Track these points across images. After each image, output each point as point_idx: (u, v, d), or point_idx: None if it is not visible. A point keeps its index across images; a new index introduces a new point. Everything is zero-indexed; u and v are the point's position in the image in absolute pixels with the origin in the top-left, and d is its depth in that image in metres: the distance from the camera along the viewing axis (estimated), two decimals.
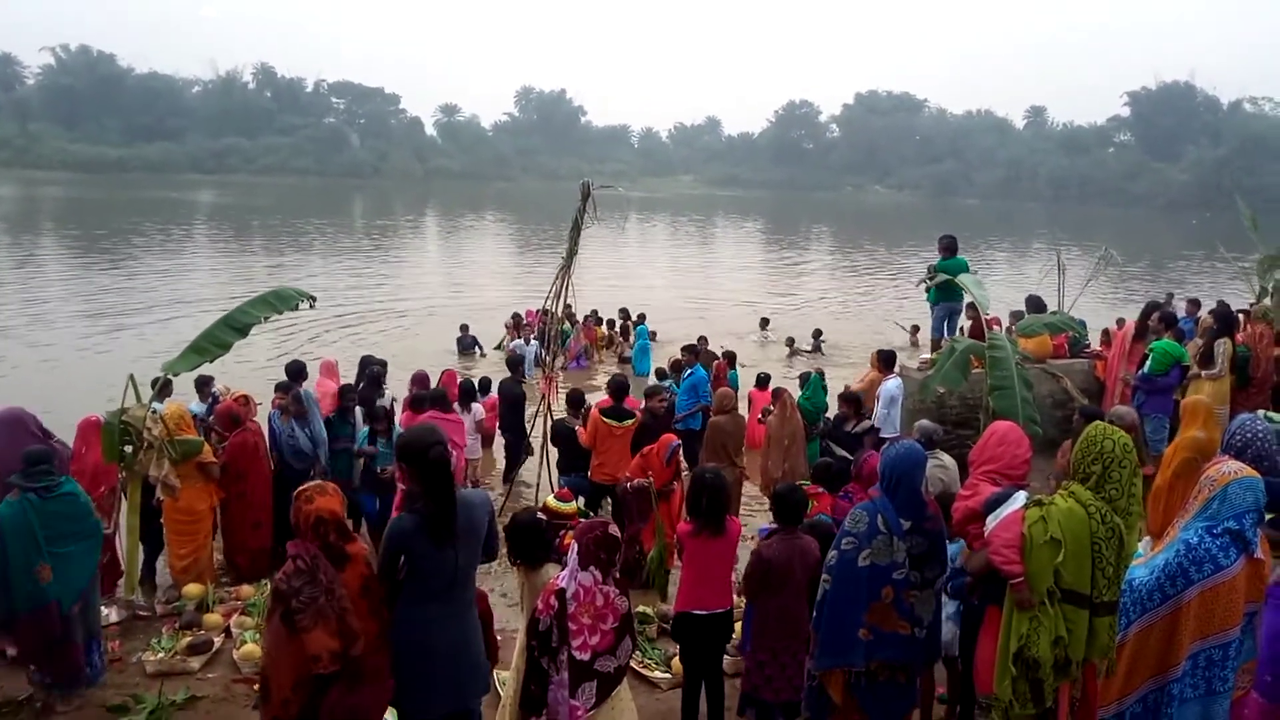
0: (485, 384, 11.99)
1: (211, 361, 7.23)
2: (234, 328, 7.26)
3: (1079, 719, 3.77)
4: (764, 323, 20.30)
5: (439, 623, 3.73)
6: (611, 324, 18.79)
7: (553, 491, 6.74)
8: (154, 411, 7.06)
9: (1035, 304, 11.68)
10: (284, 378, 8.59)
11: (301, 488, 3.81)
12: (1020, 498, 3.81)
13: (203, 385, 9.15)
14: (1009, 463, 4.39)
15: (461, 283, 28.78)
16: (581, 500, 8.70)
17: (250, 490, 7.59)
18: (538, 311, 10.91)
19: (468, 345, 17.91)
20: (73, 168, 76.05)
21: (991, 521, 3.78)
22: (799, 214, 70.25)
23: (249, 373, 13.28)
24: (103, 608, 6.62)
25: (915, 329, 19.05)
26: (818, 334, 19.23)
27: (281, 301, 7.58)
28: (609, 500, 8.56)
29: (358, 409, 8.78)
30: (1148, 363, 8.88)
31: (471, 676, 3.86)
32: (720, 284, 30.71)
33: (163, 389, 7.98)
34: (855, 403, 8.58)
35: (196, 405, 8.88)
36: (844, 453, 8.11)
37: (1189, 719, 3.72)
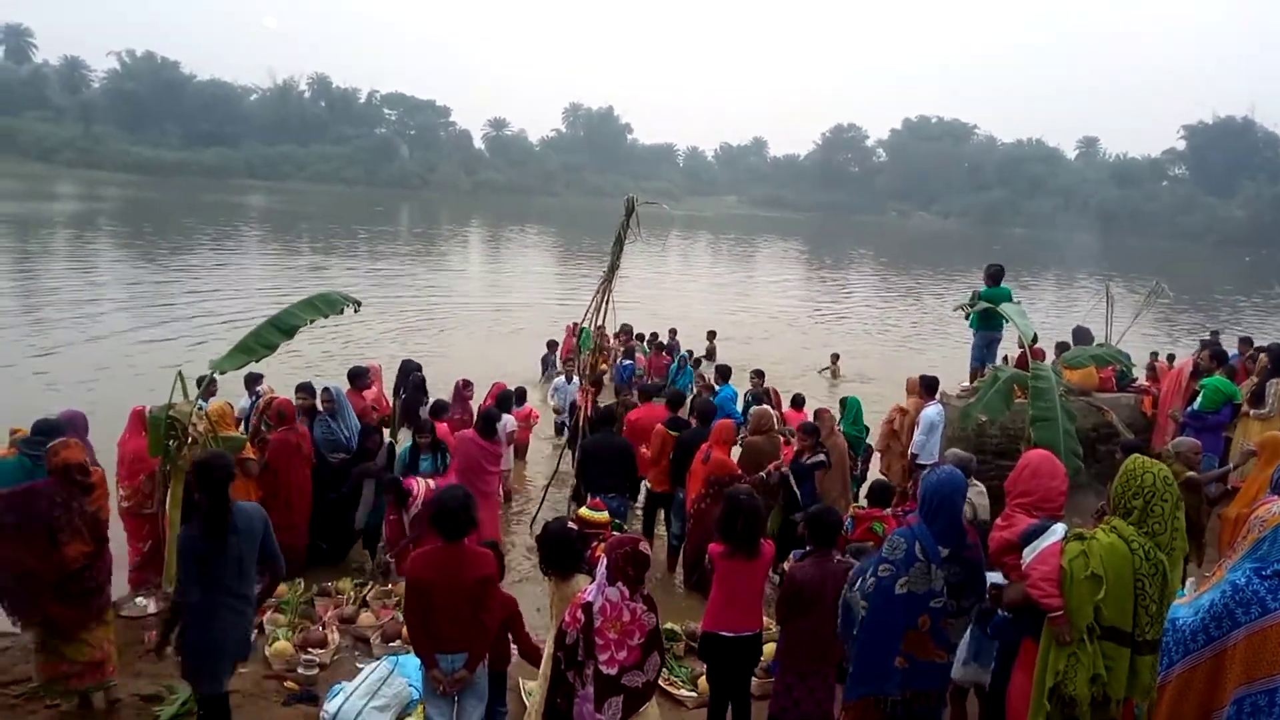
0: (521, 394, 12.02)
1: (257, 361, 7.36)
2: (280, 329, 7.38)
3: None
4: (834, 358, 19.18)
5: (221, 613, 4.32)
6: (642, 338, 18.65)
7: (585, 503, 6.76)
8: (199, 408, 7.21)
9: (1081, 335, 11.48)
10: (318, 380, 8.75)
11: (50, 444, 4.99)
12: (1059, 530, 3.74)
13: (251, 383, 9.33)
14: (1044, 495, 4.32)
15: (507, 300, 29.03)
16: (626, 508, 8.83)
17: (287, 490, 7.71)
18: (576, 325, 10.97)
19: (552, 365, 16.32)
20: (133, 169, 78.09)
21: (1029, 554, 3.71)
22: (843, 237, 69.85)
23: (295, 371, 13.48)
24: (139, 598, 6.81)
25: (835, 357, 18.76)
26: (835, 358, 18.91)
27: (328, 305, 7.70)
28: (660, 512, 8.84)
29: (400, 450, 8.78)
30: (1198, 399, 8.68)
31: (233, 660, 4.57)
32: (758, 303, 30.59)
33: (208, 386, 8.14)
34: (814, 434, 8.41)
35: (245, 402, 9.07)
36: (795, 485, 8.00)
37: None
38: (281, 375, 11.36)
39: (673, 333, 18.09)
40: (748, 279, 40.45)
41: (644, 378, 14.68)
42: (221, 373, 7.56)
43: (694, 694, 5.91)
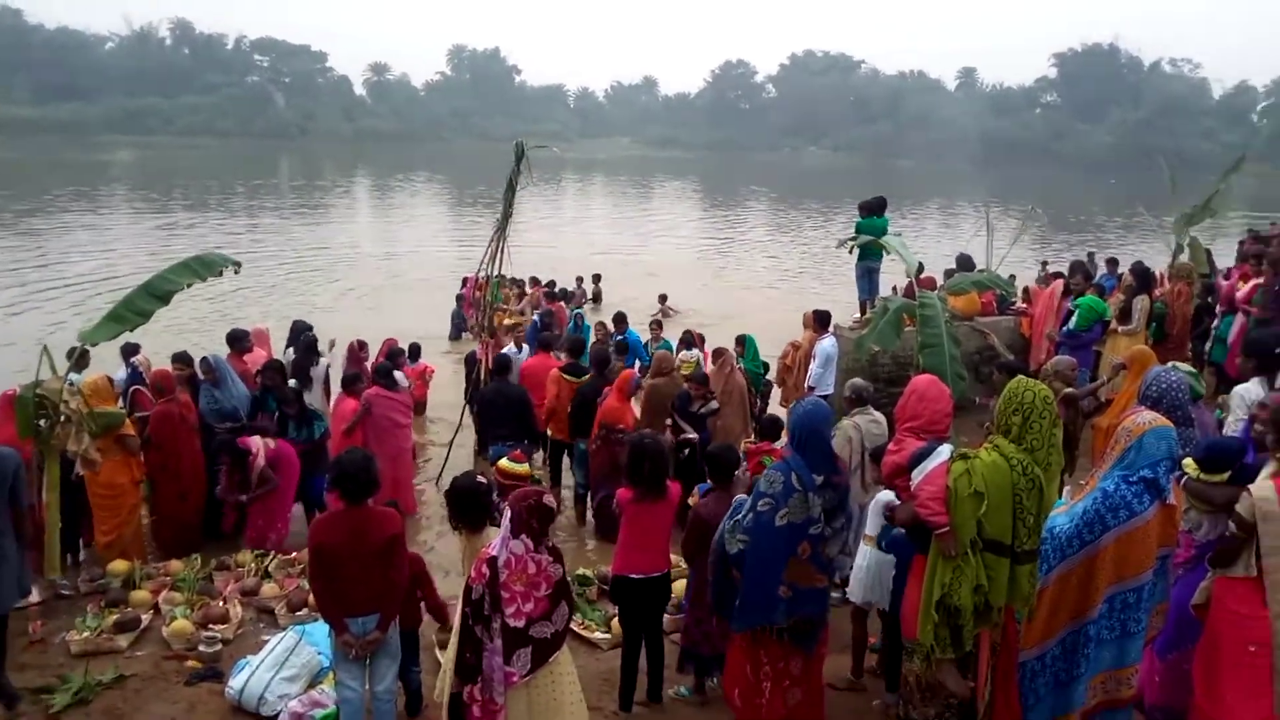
0: (415, 349, 11.74)
1: (131, 330, 6.96)
2: (155, 295, 6.99)
3: (999, 662, 3.90)
4: (662, 299, 18.42)
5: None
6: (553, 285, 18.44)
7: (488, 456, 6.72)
8: (71, 384, 6.80)
9: (964, 262, 11.92)
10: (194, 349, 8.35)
11: None
12: (944, 451, 3.90)
13: (127, 354, 8.81)
14: (931, 418, 4.50)
15: (397, 249, 28.18)
16: (539, 459, 8.79)
17: (175, 462, 7.39)
18: (476, 277, 10.72)
19: (460, 318, 15.85)
20: None
21: (917, 475, 3.86)
22: (736, 175, 70.28)
23: (177, 339, 12.82)
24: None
25: (663, 298, 18.12)
26: (663, 298, 18.23)
27: (205, 267, 7.34)
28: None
29: (290, 383, 8.53)
30: (1073, 319, 9.15)
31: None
32: (655, 246, 30.64)
33: (79, 360, 7.65)
34: (704, 382, 8.41)
35: (122, 374, 8.56)
36: (691, 433, 8.03)
37: (1105, 659, 3.89)
38: (162, 343, 10.78)
39: (579, 281, 17.99)
40: (644, 220, 40.37)
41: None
42: (93, 344, 7.15)
43: (608, 636, 6.00)
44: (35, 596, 6.24)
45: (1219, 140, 75.01)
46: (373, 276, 22.56)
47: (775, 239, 34.10)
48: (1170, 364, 5.50)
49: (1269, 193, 39.06)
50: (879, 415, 6.74)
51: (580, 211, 43.63)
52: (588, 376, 8.67)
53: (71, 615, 6.06)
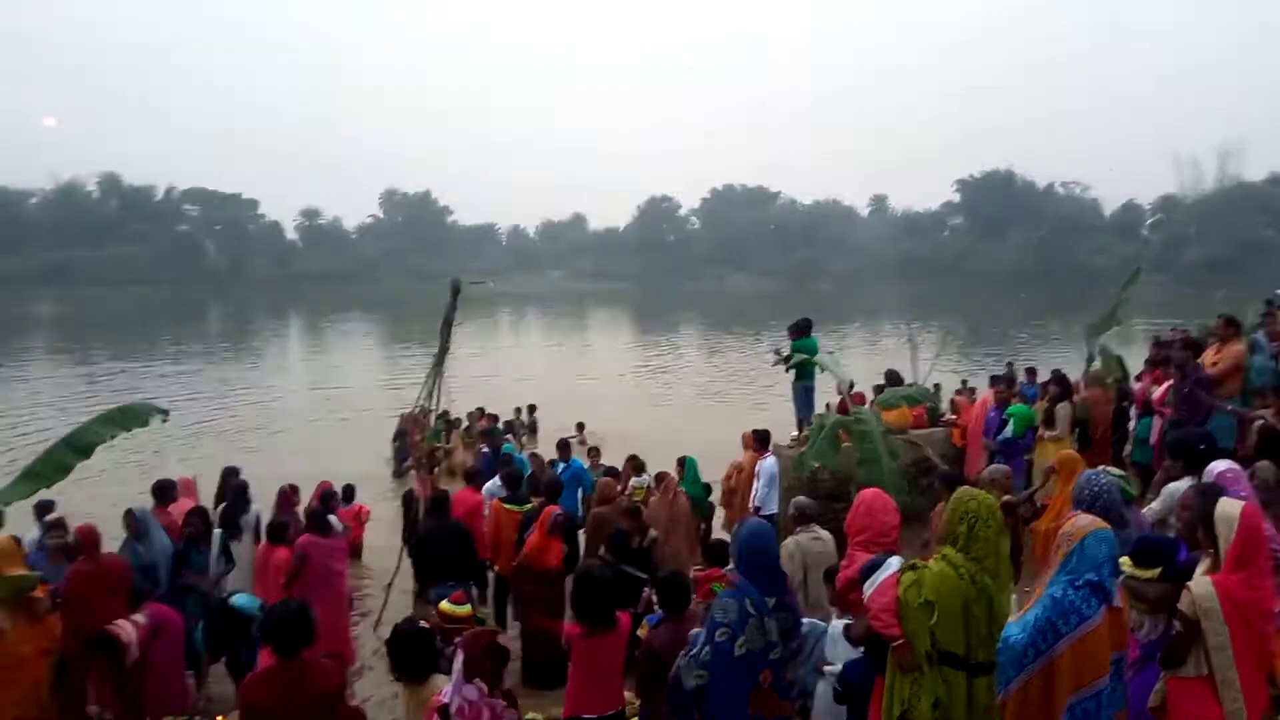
0: (349, 491, 11.44)
1: (49, 487, 6.64)
2: (76, 448, 6.71)
3: None
4: (579, 427, 17.70)
5: None
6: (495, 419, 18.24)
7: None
8: None
9: (892, 378, 12.29)
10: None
11: None
12: (894, 563, 3.93)
13: (41, 511, 8.39)
14: (879, 530, 4.55)
15: (332, 388, 27.80)
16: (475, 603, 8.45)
17: (89, 630, 6.89)
18: (414, 413, 10.61)
19: (402, 455, 15.31)
20: None
21: (869, 588, 3.87)
22: (666, 304, 72.05)
23: (102, 493, 12.25)
24: None
25: (580, 426, 17.47)
26: (580, 427, 17.70)
27: (130, 419, 7.10)
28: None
29: (216, 532, 8.19)
30: (1008, 428, 9.43)
31: None
32: (590, 373, 30.89)
33: None
34: (636, 514, 8.04)
35: (34, 535, 8.11)
36: (637, 572, 7.34)
37: None
38: (85, 498, 10.32)
39: (517, 411, 17.94)
40: (578, 350, 40.83)
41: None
42: (7, 503, 6.78)
43: None
44: None
45: (1114, 254, 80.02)
46: (304, 418, 22.14)
47: (708, 362, 34.75)
48: (1100, 468, 5.68)
49: (1165, 300, 41.58)
50: (823, 533, 6.75)
51: (515, 344, 43.95)
52: (531, 505, 8.52)
53: None
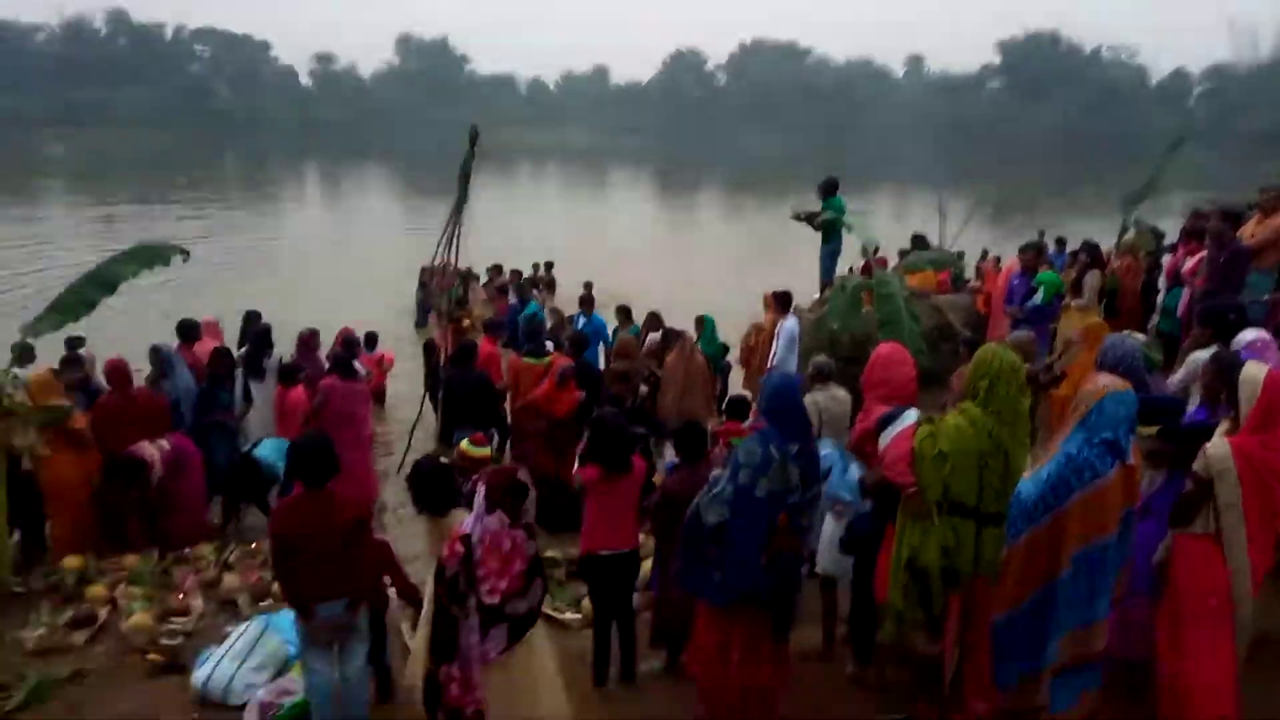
0: (372, 338, 11.55)
1: (76, 321, 6.77)
2: (101, 283, 6.83)
3: (970, 625, 3.96)
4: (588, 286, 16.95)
5: None
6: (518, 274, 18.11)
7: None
8: (15, 377, 6.58)
9: (919, 242, 12.09)
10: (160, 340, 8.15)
11: None
12: (911, 415, 3.95)
13: (72, 346, 8.56)
14: (897, 382, 4.54)
15: (349, 238, 27.71)
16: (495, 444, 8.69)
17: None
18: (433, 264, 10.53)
19: (424, 306, 15.39)
20: None
21: (884, 439, 3.91)
22: (688, 162, 70.39)
23: (129, 330, 12.42)
24: None
25: (588, 285, 17.06)
26: (549, 266, 18.25)
27: (153, 256, 7.17)
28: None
29: (237, 374, 8.34)
30: (1038, 295, 9.30)
31: None
32: (610, 232, 30.58)
33: (23, 353, 7.43)
34: (624, 378, 8.12)
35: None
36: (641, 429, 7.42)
37: (1075, 619, 3.97)
38: (108, 334, 10.48)
39: (535, 267, 17.83)
40: (598, 207, 40.26)
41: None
42: (36, 336, 6.92)
43: (578, 616, 5.99)
44: None
45: (1159, 123, 76.96)
46: (324, 266, 22.18)
47: (728, 223, 34.25)
48: (1125, 332, 5.62)
49: (1207, 173, 40.17)
50: (840, 391, 6.79)
51: (534, 199, 43.34)
52: (549, 358, 8.61)
53: (25, 613, 5.88)
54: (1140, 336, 5.72)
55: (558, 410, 7.89)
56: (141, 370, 7.93)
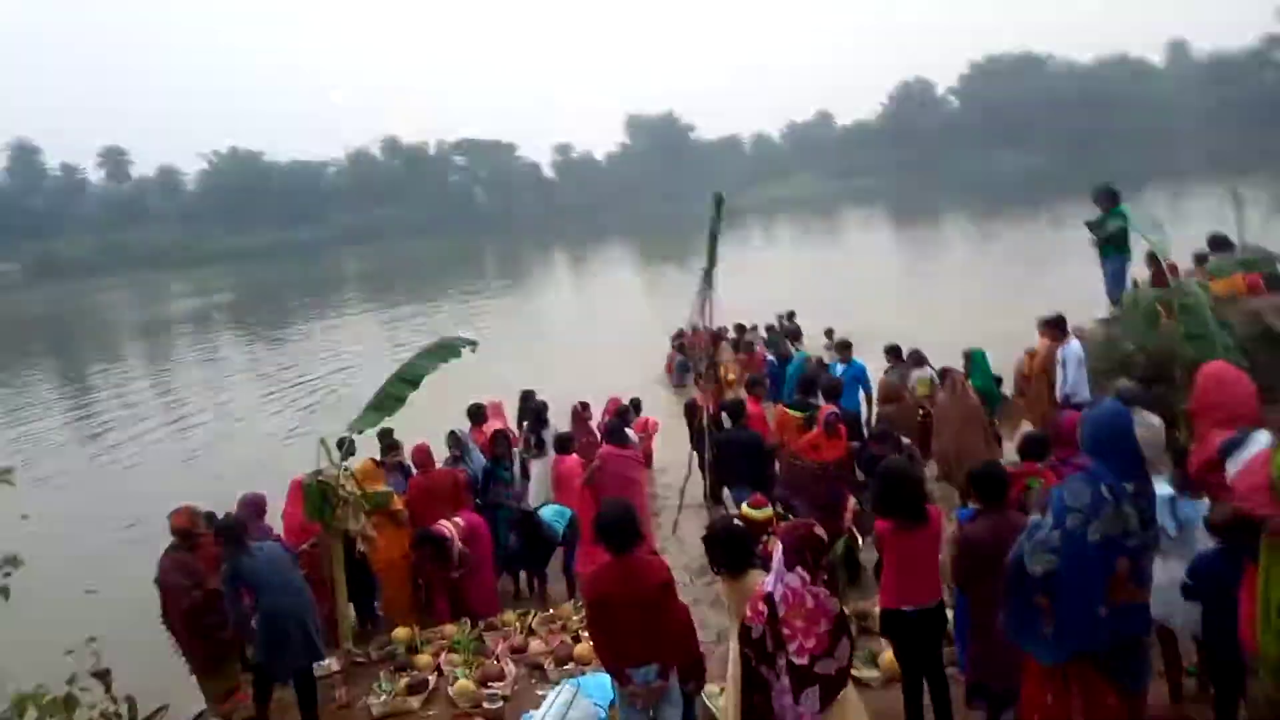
0: (637, 405, 11.97)
1: (391, 415, 7.58)
2: (408, 380, 7.59)
3: None
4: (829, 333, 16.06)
5: None
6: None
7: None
8: (345, 469, 7.46)
9: (1219, 242, 10.69)
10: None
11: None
12: (1262, 438, 3.45)
13: (384, 437, 9.61)
14: (1237, 402, 3.98)
15: (597, 312, 29.21)
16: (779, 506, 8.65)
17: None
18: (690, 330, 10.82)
19: (684, 367, 15.93)
20: (233, 259, 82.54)
21: (1232, 467, 3.43)
22: (928, 194, 67.72)
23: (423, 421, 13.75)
24: (324, 659, 7.03)
25: (829, 332, 15.73)
26: (791, 315, 18.02)
27: (447, 352, 7.88)
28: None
29: (515, 450, 8.94)
30: None
31: None
32: (850, 278, 29.86)
33: (349, 448, 8.42)
34: (884, 439, 7.68)
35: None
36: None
37: None
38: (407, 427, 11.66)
39: (780, 318, 17.85)
40: (832, 251, 39.60)
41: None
42: (360, 432, 7.82)
43: (876, 673, 5.73)
44: (335, 665, 6.82)
45: None
46: (579, 341, 23.44)
47: (977, 251, 32.36)
48: None
49: None
50: (1152, 418, 6.09)
51: (769, 251, 43.49)
52: (813, 410, 8.50)
53: (368, 680, 6.57)
54: None
55: (825, 455, 7.70)
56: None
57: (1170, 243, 8.15)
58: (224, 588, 5.79)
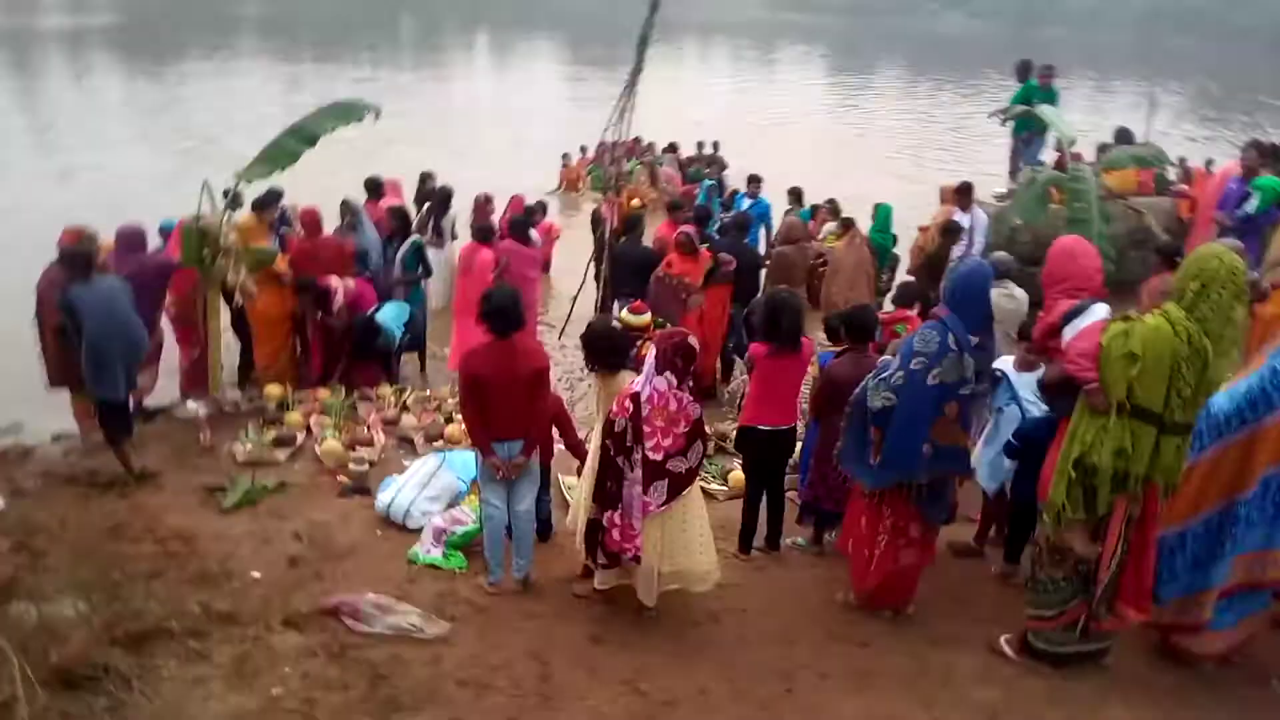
0: (542, 208, 11.78)
1: (282, 171, 7.24)
2: (303, 138, 7.22)
3: (1135, 534, 3.82)
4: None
5: None
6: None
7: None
8: (229, 219, 7.18)
9: (1123, 136, 11.06)
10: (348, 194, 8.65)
11: None
12: (1100, 310, 3.75)
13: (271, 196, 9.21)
14: (1082, 275, 4.23)
15: (516, 107, 27.99)
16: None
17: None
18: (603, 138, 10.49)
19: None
20: None
21: (1069, 333, 3.75)
22: (867, 42, 66.20)
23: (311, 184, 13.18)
24: (189, 402, 7.03)
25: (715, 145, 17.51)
26: (715, 145, 18.05)
27: (349, 113, 7.49)
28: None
29: (414, 238, 8.69)
30: (1252, 202, 8.44)
31: None
32: (777, 114, 29.44)
33: (234, 198, 8.05)
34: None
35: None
36: None
37: (1253, 541, 3.79)
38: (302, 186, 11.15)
39: (699, 146, 17.61)
40: (767, 87, 38.77)
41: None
42: (247, 182, 7.46)
43: (724, 488, 6.19)
44: (202, 411, 6.83)
45: None
46: (493, 135, 22.56)
47: (906, 109, 32.29)
48: None
49: None
50: (1017, 290, 6.50)
51: (702, 75, 42.16)
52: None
53: (234, 430, 6.63)
54: None
55: (692, 277, 7.79)
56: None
57: (1072, 131, 8.35)
58: (62, 314, 5.67)
